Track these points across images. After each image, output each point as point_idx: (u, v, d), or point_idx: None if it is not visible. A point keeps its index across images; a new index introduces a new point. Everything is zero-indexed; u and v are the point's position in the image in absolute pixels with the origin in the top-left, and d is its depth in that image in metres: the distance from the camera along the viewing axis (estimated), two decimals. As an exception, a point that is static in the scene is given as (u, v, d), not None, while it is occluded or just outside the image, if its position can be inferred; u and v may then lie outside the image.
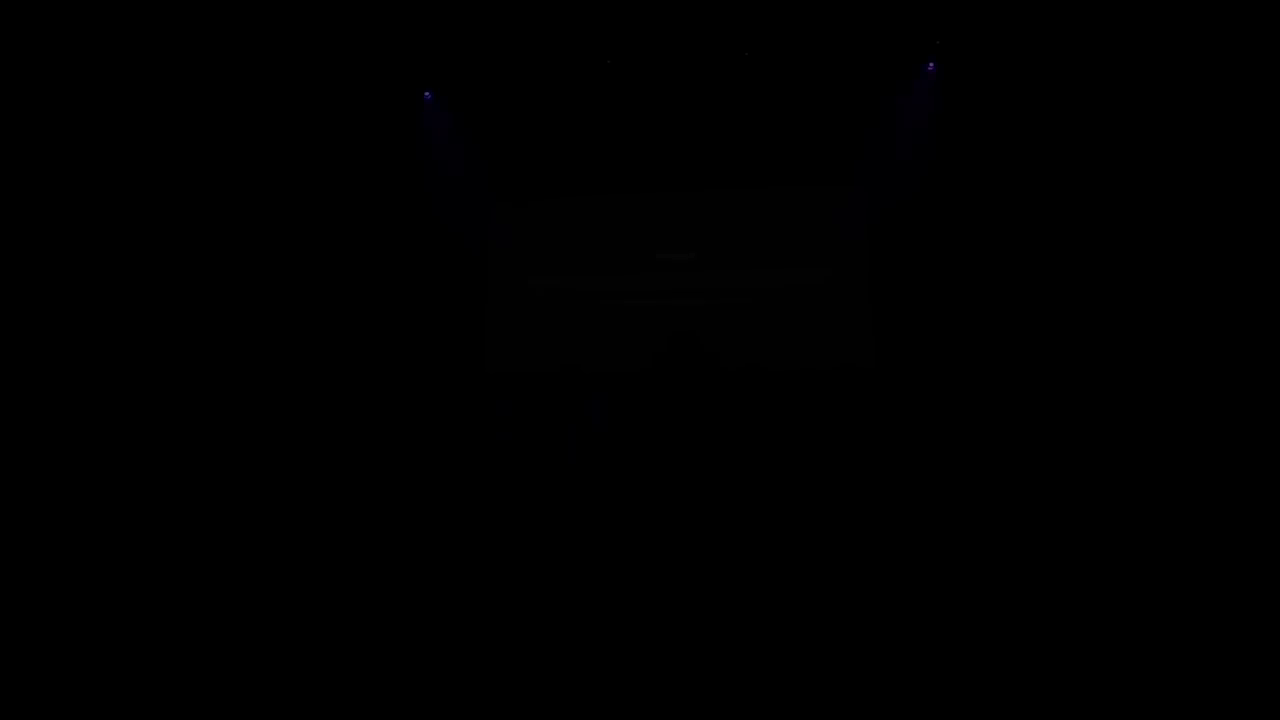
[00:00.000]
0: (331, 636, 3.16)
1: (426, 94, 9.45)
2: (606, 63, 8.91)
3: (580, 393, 7.40)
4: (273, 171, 7.57)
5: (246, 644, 3.05)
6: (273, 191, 7.59)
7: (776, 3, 8.11)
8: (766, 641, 3.05)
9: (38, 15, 5.49)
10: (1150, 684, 2.58)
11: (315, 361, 7.64)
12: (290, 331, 7.48)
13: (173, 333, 6.31)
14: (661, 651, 2.95)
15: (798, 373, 7.75)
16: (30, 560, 3.94)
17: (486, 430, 8.33)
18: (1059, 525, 4.61)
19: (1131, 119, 6.15)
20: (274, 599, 3.57)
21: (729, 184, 9.86)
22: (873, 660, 2.90)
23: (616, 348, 8.96)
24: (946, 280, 8.69)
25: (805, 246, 9.70)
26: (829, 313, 9.54)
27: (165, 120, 6.52)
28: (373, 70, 8.52)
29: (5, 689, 2.51)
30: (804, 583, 3.85)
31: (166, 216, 6.45)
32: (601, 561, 4.30)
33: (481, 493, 6.41)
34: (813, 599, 3.63)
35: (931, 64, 9.11)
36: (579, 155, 9.74)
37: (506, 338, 10.02)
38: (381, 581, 3.94)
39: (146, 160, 6.33)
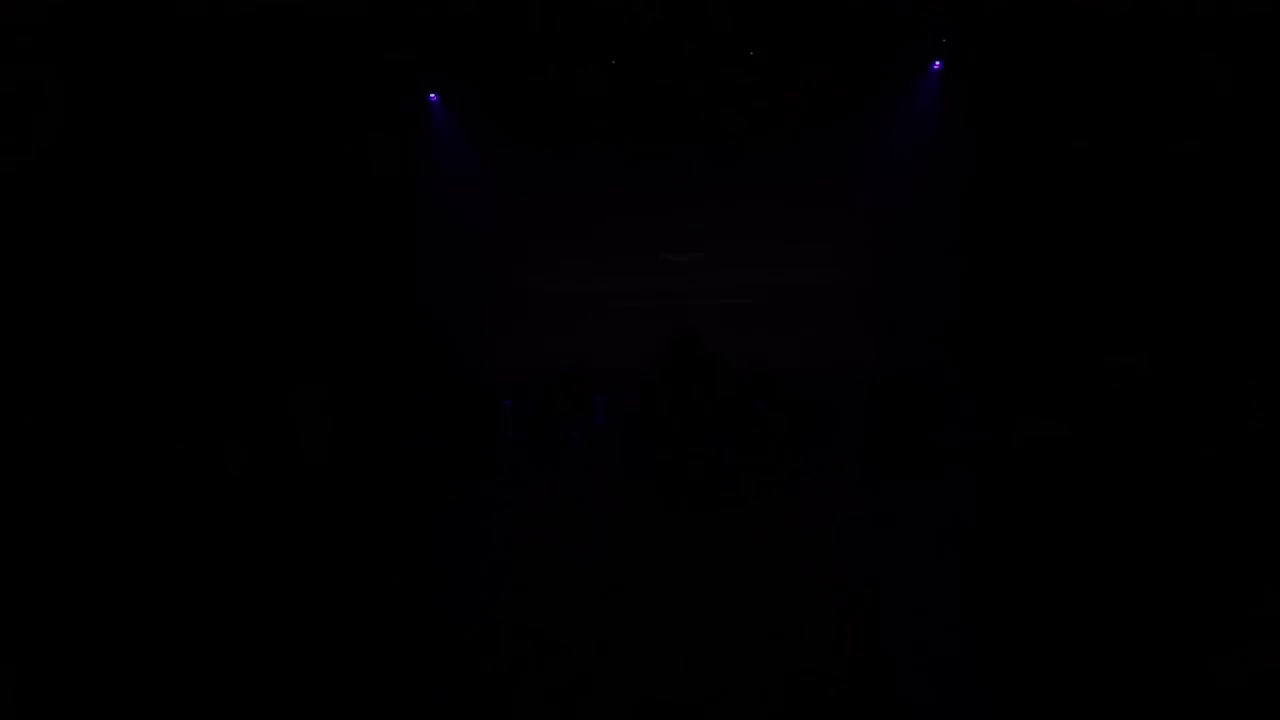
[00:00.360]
0: (338, 631, 3.19)
1: (432, 95, 9.49)
2: (611, 62, 8.92)
3: (583, 392, 7.43)
4: (280, 175, 7.63)
5: (248, 640, 3.09)
6: (281, 194, 7.65)
7: (783, 2, 8.09)
8: (765, 641, 3.06)
9: (54, 12, 5.56)
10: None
11: (323, 360, 7.70)
12: (297, 330, 7.54)
13: (182, 329, 6.39)
14: (659, 647, 2.96)
15: (801, 373, 7.74)
16: (28, 558, 4.00)
17: (492, 428, 8.37)
18: (1072, 527, 4.59)
19: (1137, 116, 6.10)
20: (279, 595, 3.61)
21: (735, 184, 9.86)
22: (874, 659, 2.90)
23: (619, 347, 8.97)
24: (952, 280, 8.64)
25: (811, 246, 9.68)
26: (834, 313, 9.52)
27: (184, 123, 6.61)
28: (378, 73, 8.56)
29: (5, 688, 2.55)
30: (803, 582, 3.86)
31: (181, 217, 6.52)
32: (602, 558, 4.32)
33: (488, 488, 6.44)
34: (811, 599, 3.64)
35: (938, 62, 9.07)
36: (584, 156, 9.76)
37: (511, 337, 10.06)
38: (389, 574, 3.97)
39: (163, 160, 6.42)
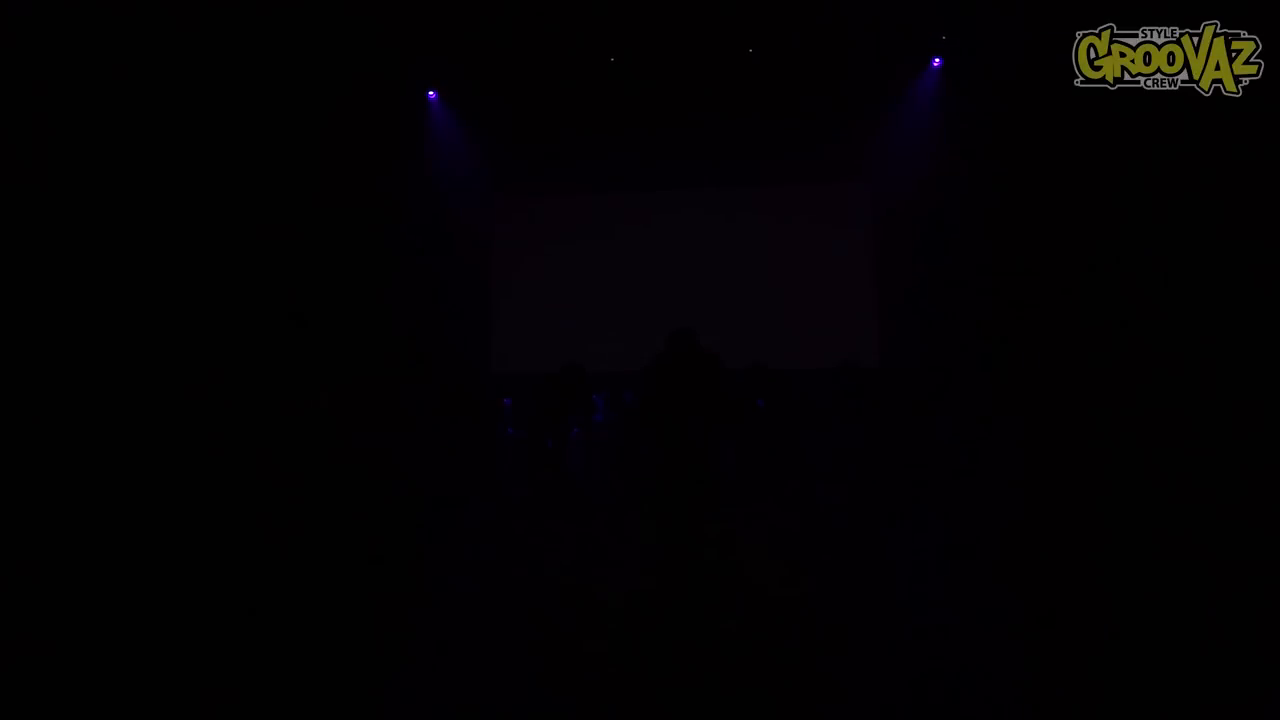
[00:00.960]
0: (334, 632, 3.19)
1: (431, 93, 9.48)
2: (610, 60, 8.90)
3: (583, 391, 7.41)
4: (280, 174, 7.62)
5: (248, 641, 3.09)
6: (281, 193, 7.64)
7: (783, 1, 8.07)
8: (766, 643, 3.06)
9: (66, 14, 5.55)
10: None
11: (324, 360, 7.69)
12: (298, 330, 7.54)
13: (181, 329, 6.38)
14: (659, 645, 2.96)
15: (800, 372, 7.74)
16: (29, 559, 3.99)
17: (492, 428, 8.36)
18: (1073, 529, 4.58)
19: (1137, 115, 6.08)
20: (279, 596, 3.61)
21: (734, 182, 9.83)
22: (877, 658, 2.90)
23: (619, 347, 8.94)
24: (952, 278, 8.63)
25: (811, 245, 9.66)
26: (834, 311, 9.50)
27: (181, 123, 6.60)
28: (377, 71, 8.55)
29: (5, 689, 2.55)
30: (803, 581, 3.85)
31: (174, 216, 6.52)
32: (601, 558, 4.32)
33: (487, 488, 6.45)
34: (812, 599, 3.64)
35: (938, 60, 9.05)
36: (583, 154, 9.73)
37: (511, 337, 10.05)
38: (389, 575, 3.97)
39: (161, 161, 6.41)
